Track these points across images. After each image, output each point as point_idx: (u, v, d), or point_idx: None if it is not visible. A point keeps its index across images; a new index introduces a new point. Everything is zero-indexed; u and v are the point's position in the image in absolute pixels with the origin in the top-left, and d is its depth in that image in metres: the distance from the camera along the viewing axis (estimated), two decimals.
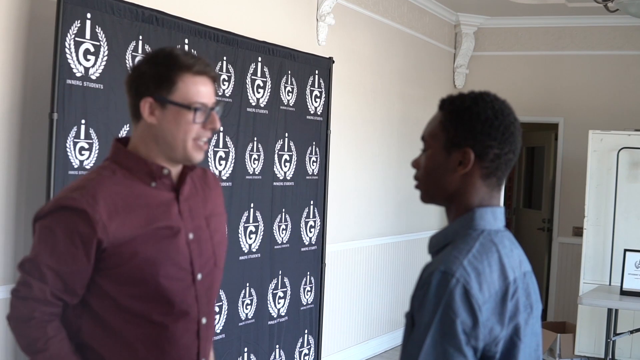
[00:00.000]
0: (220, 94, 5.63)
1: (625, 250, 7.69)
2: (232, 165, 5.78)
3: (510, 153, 2.13)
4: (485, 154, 2.10)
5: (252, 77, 5.99)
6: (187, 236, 2.65)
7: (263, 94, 6.11)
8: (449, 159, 2.14)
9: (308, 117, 6.71)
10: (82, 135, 4.50)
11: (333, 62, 7.02)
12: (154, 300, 2.57)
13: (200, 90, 2.57)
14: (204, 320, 2.70)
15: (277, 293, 6.39)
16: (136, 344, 2.58)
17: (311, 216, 6.79)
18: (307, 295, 6.77)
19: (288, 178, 6.44)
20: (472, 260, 2.01)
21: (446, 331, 1.93)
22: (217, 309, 5.72)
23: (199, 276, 2.67)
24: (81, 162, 4.48)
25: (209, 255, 2.74)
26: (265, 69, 6.14)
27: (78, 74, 4.46)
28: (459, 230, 2.13)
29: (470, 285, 1.96)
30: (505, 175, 2.17)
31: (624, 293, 7.50)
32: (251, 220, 6.03)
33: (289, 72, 6.42)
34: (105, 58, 4.65)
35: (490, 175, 2.13)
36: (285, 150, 6.41)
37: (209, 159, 5.55)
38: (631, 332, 7.75)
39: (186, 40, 5.28)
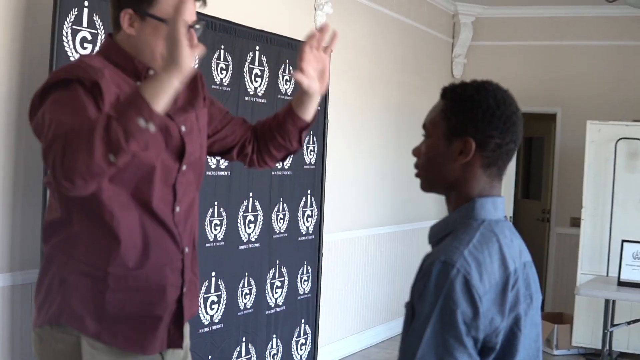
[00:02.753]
0: (218, 82, 5.62)
1: (623, 241, 7.72)
2: None
3: (512, 143, 2.13)
4: (486, 144, 2.10)
5: (250, 65, 5.97)
6: (180, 128, 2.69)
7: (261, 83, 6.09)
8: (450, 148, 2.13)
9: None
10: None
11: (331, 51, 6.98)
12: (137, 181, 2.59)
13: (180, 6, 2.54)
14: (177, 209, 2.72)
15: (274, 282, 6.38)
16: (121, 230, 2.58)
17: (308, 206, 6.78)
18: (304, 284, 6.76)
19: (286, 167, 6.42)
20: (473, 250, 2.01)
21: (446, 321, 1.93)
22: (216, 295, 5.71)
23: (184, 167, 2.72)
24: None
25: (196, 147, 2.78)
26: (263, 58, 6.12)
27: None
28: (459, 220, 2.13)
29: (470, 276, 1.96)
30: (506, 165, 2.17)
31: (621, 284, 7.53)
32: (250, 210, 6.02)
33: (287, 61, 6.40)
34: None
35: (491, 165, 2.13)
36: None
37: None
38: (628, 323, 7.77)
39: None
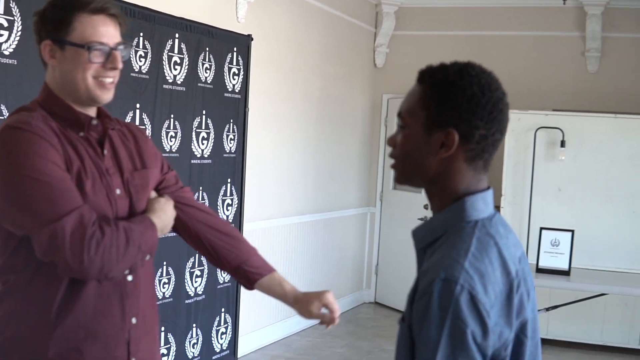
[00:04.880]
0: (137, 70, 5.55)
1: (541, 228, 7.80)
2: None
3: (498, 133, 1.98)
4: (470, 135, 1.92)
5: (169, 53, 5.91)
6: (115, 192, 2.63)
7: (180, 71, 6.03)
8: (430, 140, 1.94)
9: (226, 94, 6.65)
10: None
11: (252, 39, 6.96)
12: None
13: (98, 29, 2.53)
14: (129, 278, 2.69)
15: (194, 272, 6.34)
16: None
17: (228, 194, 6.74)
18: (224, 273, 6.71)
19: (205, 156, 6.38)
20: (473, 261, 1.84)
21: (457, 344, 1.77)
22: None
23: None
24: None
25: (134, 211, 2.71)
26: (183, 46, 6.06)
27: None
28: (449, 222, 1.95)
29: (475, 290, 1.79)
30: (492, 157, 1.99)
31: (539, 271, 7.61)
32: None
33: (207, 49, 6.35)
34: (19, 33, 4.54)
35: (476, 158, 1.95)
36: (203, 127, 6.34)
37: None
38: (547, 309, 7.87)
39: None
